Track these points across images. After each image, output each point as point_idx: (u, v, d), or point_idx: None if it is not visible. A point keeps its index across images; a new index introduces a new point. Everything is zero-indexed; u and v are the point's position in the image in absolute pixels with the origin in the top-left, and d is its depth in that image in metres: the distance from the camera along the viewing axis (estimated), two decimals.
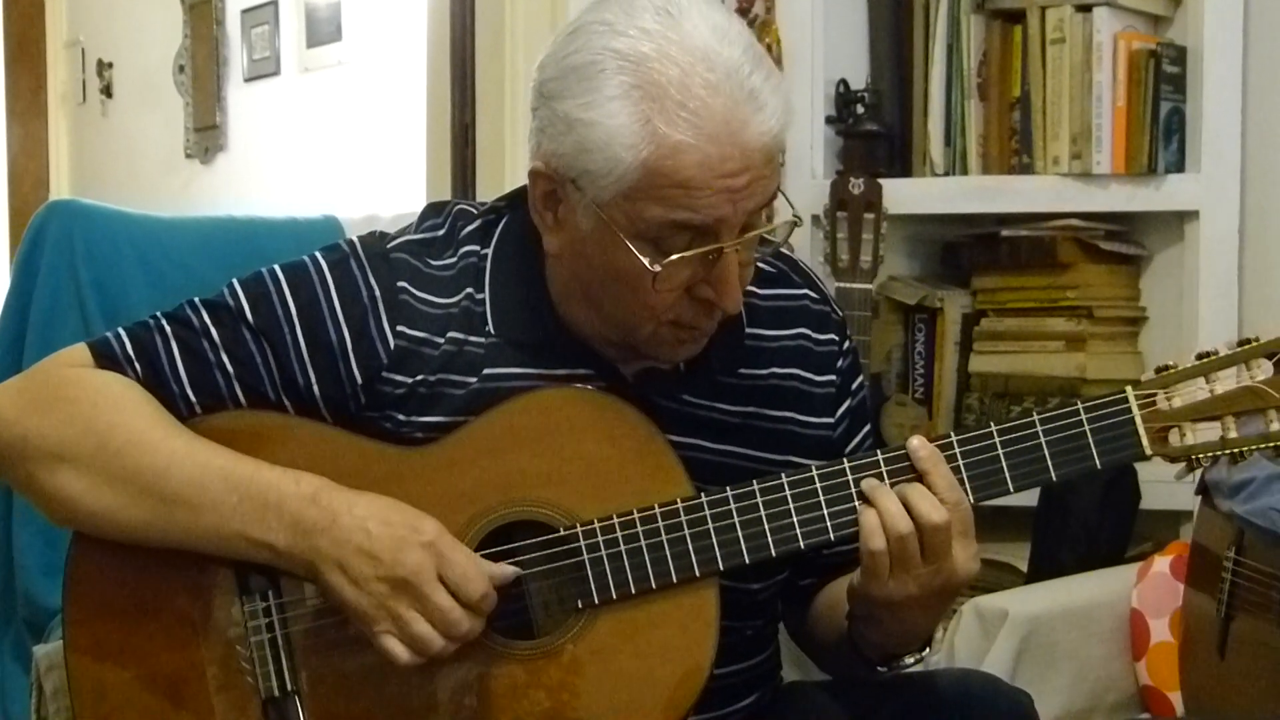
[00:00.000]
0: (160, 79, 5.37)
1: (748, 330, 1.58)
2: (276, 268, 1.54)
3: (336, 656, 1.46)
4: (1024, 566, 2.61)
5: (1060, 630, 2.32)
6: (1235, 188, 2.62)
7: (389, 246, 1.55)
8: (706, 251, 1.42)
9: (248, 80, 5.01)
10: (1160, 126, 2.59)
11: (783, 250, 1.56)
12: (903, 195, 2.73)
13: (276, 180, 4.85)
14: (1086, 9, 2.61)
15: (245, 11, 4.96)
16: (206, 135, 5.19)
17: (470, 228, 1.56)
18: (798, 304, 1.63)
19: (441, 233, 1.56)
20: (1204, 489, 2.22)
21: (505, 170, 3.06)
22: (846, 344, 1.66)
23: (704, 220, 1.40)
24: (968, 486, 1.46)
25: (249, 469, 1.45)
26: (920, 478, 1.44)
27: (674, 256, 1.41)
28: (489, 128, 3.13)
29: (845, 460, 1.48)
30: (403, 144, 4.02)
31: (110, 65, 5.76)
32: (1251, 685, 2.11)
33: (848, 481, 1.46)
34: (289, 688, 1.46)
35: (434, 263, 1.54)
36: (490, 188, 3.04)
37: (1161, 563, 2.41)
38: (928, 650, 1.56)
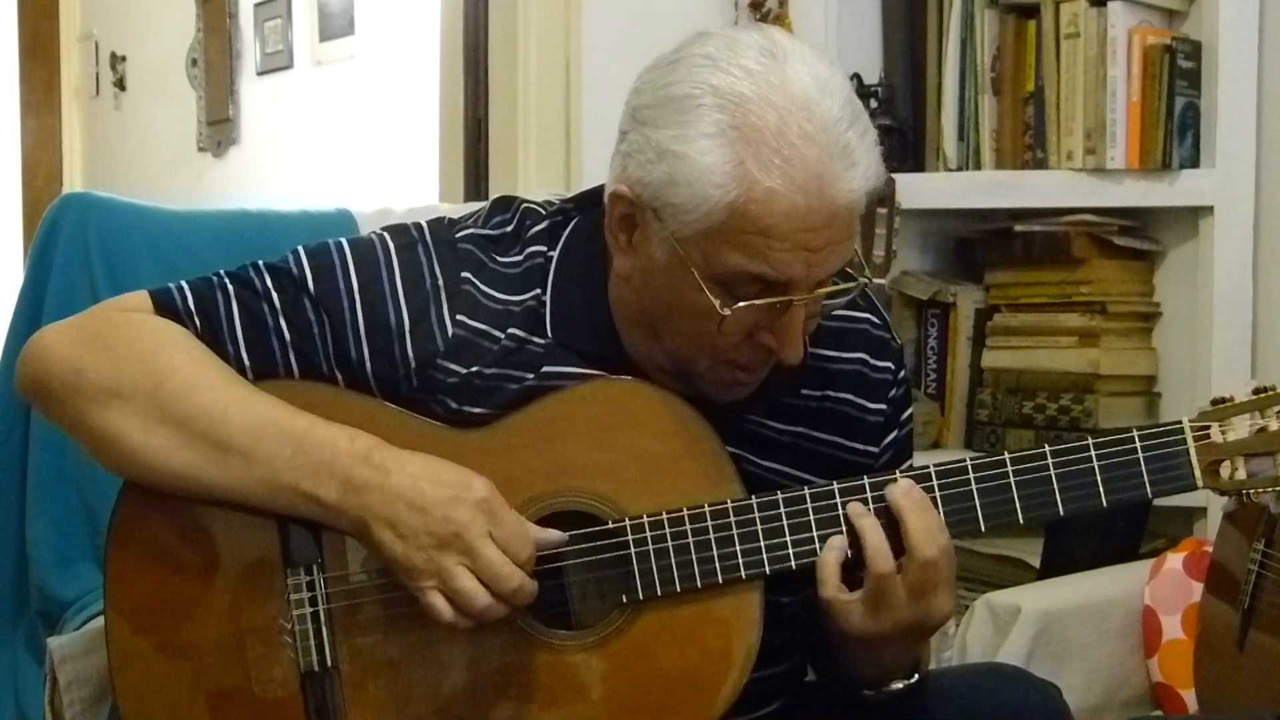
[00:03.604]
0: (173, 72, 5.38)
1: (811, 350, 1.56)
2: (344, 241, 1.54)
3: (379, 635, 1.46)
4: (1037, 562, 2.61)
5: (1073, 627, 2.31)
6: (1250, 183, 2.61)
7: (457, 236, 1.54)
8: (775, 302, 1.41)
9: (260, 74, 5.01)
10: (1175, 122, 2.58)
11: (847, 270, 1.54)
12: (916, 190, 2.72)
13: (289, 173, 4.85)
14: (1101, 3, 2.60)
15: (258, 5, 4.96)
16: (219, 128, 5.19)
17: (538, 228, 1.55)
18: (858, 327, 1.62)
19: (509, 229, 1.56)
20: None
21: (518, 165, 3.05)
22: (901, 373, 1.65)
23: (777, 276, 1.39)
24: (1018, 507, 1.45)
25: (305, 424, 1.43)
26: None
27: (743, 304, 1.40)
28: (502, 122, 3.12)
29: (898, 472, 1.47)
30: (415, 138, 4.01)
31: (123, 59, 5.76)
32: (1272, 678, 2.10)
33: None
34: (329, 663, 1.45)
35: (500, 259, 1.53)
36: (503, 182, 3.03)
37: (1174, 560, 2.40)
38: (915, 677, 1.53)
